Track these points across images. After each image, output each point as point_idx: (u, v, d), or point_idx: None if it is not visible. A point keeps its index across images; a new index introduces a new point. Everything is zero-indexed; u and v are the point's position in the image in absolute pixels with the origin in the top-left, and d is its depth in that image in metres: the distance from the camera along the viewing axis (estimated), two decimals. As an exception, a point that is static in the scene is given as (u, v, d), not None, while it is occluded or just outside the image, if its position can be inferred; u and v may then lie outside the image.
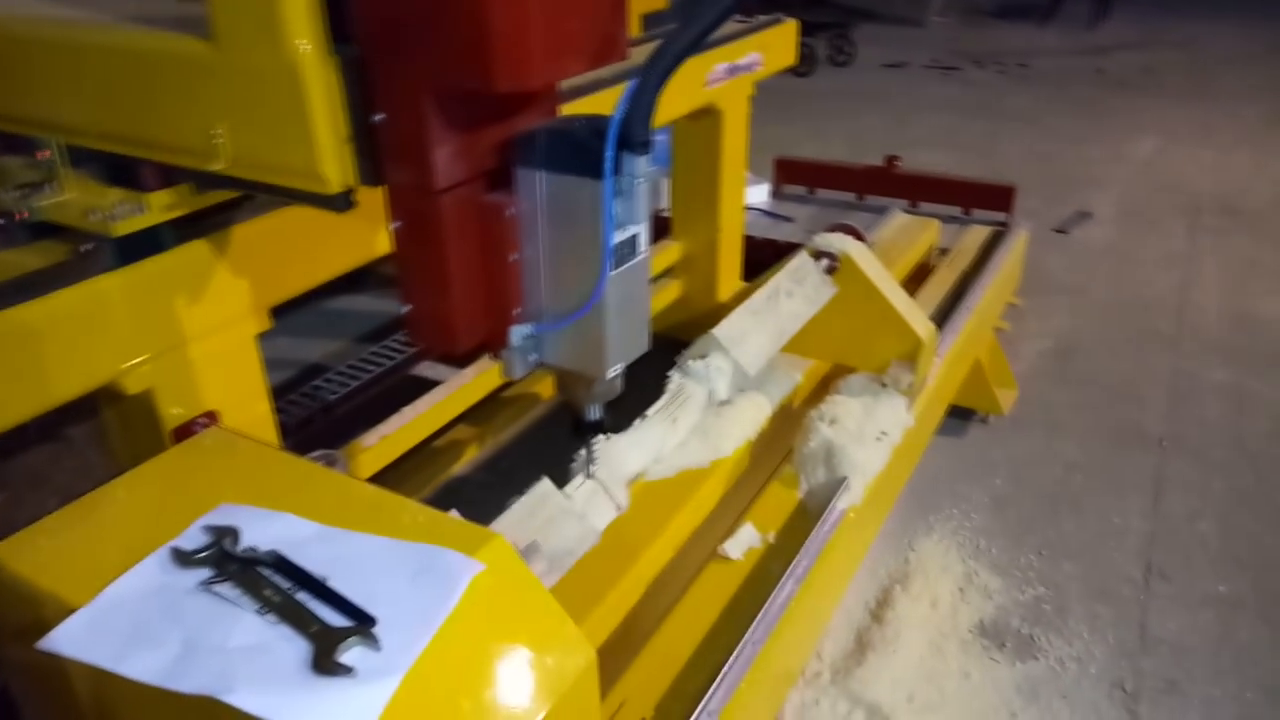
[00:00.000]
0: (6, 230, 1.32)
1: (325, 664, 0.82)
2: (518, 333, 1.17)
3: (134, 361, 1.39)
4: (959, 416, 2.92)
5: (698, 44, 1.01)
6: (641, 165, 1.04)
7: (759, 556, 1.75)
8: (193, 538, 0.98)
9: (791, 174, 4.43)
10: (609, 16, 1.08)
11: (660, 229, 3.08)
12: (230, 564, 0.94)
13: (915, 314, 2.11)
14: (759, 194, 4.10)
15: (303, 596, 0.91)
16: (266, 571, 0.93)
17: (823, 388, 2.20)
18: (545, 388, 2.68)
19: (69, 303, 1.28)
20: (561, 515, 1.49)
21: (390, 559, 0.96)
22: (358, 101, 1.05)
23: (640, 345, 1.23)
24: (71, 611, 0.90)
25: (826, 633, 2.12)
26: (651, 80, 1.00)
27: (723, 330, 1.90)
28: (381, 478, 2.06)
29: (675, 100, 2.54)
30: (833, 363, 2.26)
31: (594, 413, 1.32)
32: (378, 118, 1.05)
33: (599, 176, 1.03)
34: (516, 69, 0.98)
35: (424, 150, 1.03)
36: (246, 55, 1.03)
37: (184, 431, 1.50)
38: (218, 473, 1.12)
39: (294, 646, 0.84)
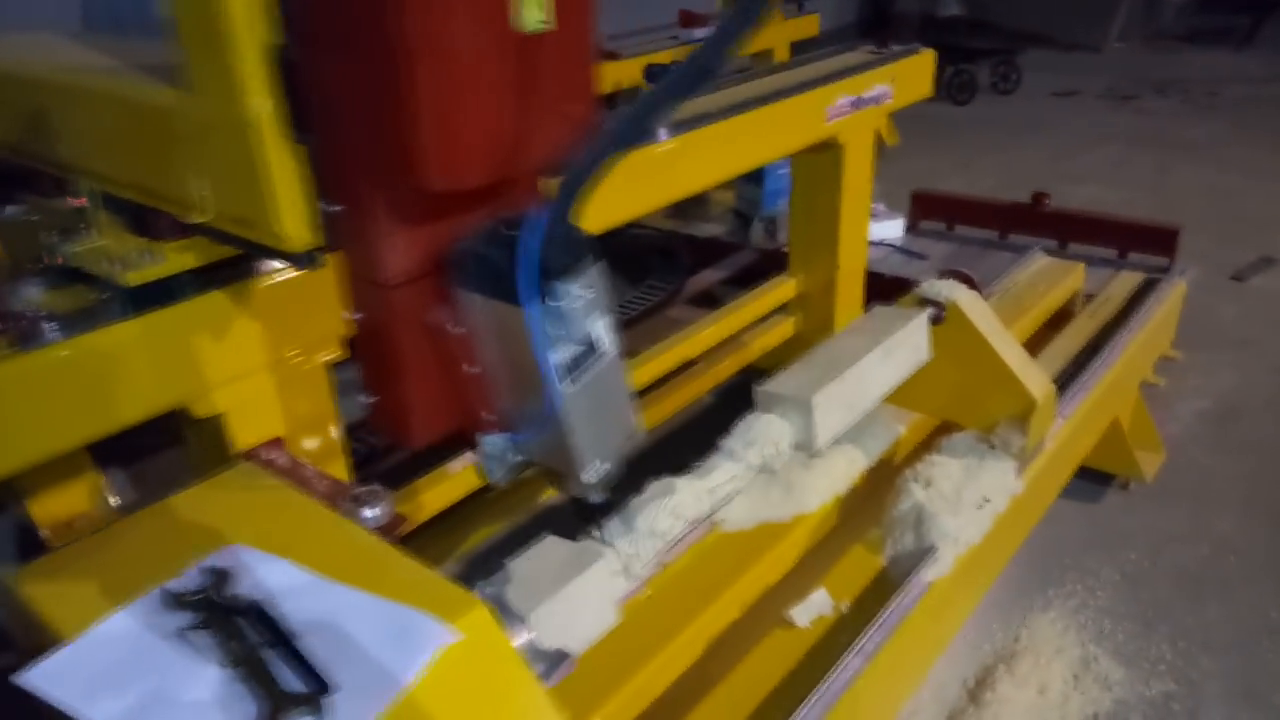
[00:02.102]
0: (42, 274, 1.36)
1: (264, 737, 0.79)
2: (489, 442, 1.13)
3: (198, 389, 1.43)
4: (1094, 480, 2.66)
5: (615, 149, 0.91)
6: (573, 288, 0.98)
7: (828, 626, 1.62)
8: (189, 579, 0.98)
9: (929, 209, 4.19)
10: (575, 96, 1.02)
11: (777, 263, 2.98)
12: (213, 611, 0.92)
13: (1032, 371, 1.92)
14: (893, 229, 3.91)
15: (273, 653, 0.88)
16: (244, 622, 0.91)
17: (928, 444, 2.04)
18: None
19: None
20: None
21: (373, 618, 0.92)
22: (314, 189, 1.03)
23: (627, 436, 1.16)
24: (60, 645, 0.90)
25: (912, 712, 1.95)
26: (562, 205, 0.94)
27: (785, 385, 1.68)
28: (463, 510, 2.05)
29: (791, 133, 2.45)
30: (940, 418, 2.09)
31: (596, 498, 1.26)
32: (334, 208, 1.03)
33: (520, 304, 0.97)
34: (450, 168, 0.94)
35: (372, 243, 1.01)
36: (213, 107, 1.01)
37: (252, 456, 1.53)
38: (236, 510, 1.11)
39: (243, 709, 0.81)
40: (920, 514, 1.77)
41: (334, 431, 1.67)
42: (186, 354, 1.39)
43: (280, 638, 0.89)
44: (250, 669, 0.85)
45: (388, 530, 1.43)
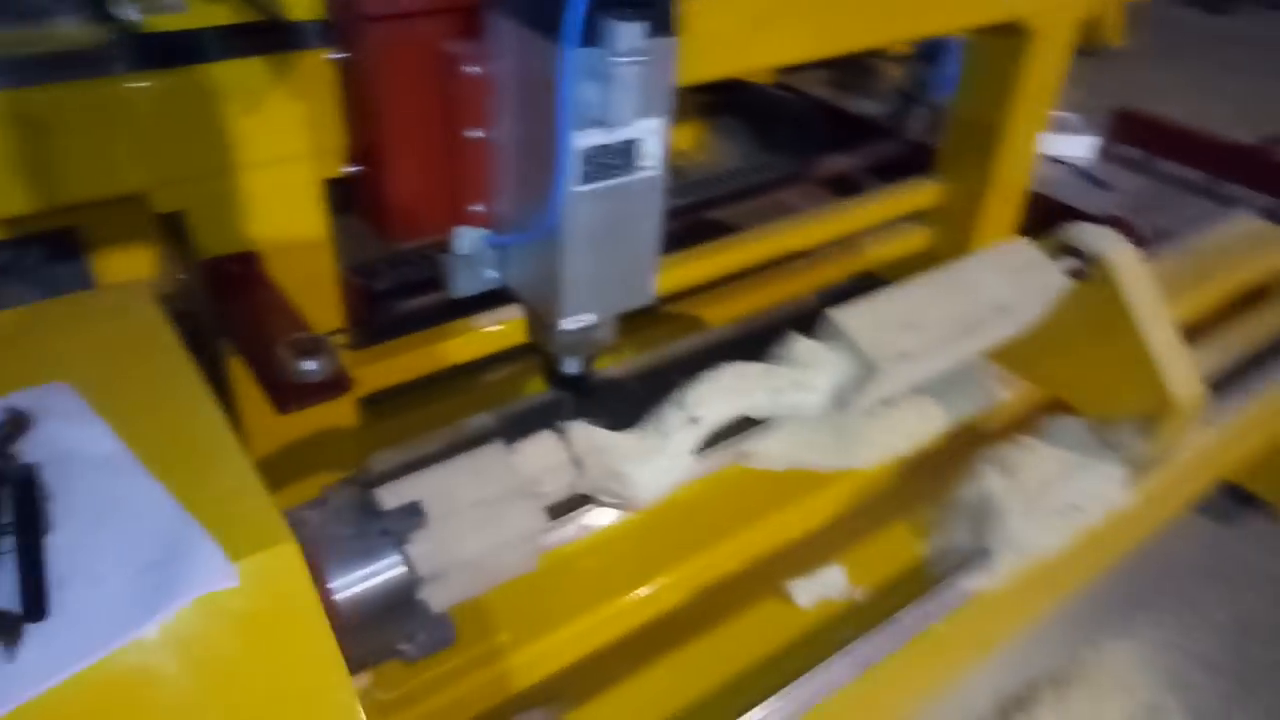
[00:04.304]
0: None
1: (-66, 657, 0.60)
2: (468, 236, 0.85)
3: (165, 176, 1.23)
4: (1234, 497, 2.22)
5: None
6: (630, 37, 0.66)
7: (832, 612, 1.35)
8: (-13, 416, 0.79)
9: (1131, 132, 3.52)
10: None
11: (923, 163, 2.54)
12: (-20, 467, 0.74)
13: (1179, 363, 1.51)
14: (1080, 147, 3.32)
15: (13, 541, 0.69)
16: (4, 492, 0.72)
17: (1027, 422, 1.68)
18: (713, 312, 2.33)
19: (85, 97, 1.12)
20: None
21: (151, 527, 0.71)
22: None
23: (635, 294, 0.87)
24: None
25: None
26: None
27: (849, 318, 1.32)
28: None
29: (969, 7, 1.98)
30: (1050, 393, 1.71)
31: (570, 365, 0.98)
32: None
33: (559, 40, 0.67)
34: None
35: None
36: None
37: (212, 267, 1.35)
38: (90, 340, 0.92)
39: (-79, 615, 0.63)
40: (986, 506, 1.45)
41: (325, 264, 1.46)
42: (155, 132, 1.19)
43: (32, 525, 0.70)
44: (-27, 560, 0.67)
45: (327, 388, 1.23)
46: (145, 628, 0.64)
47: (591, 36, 0.67)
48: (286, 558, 0.70)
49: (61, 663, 0.61)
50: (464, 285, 0.89)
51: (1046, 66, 2.24)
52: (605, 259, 0.82)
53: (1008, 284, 1.44)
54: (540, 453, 1.04)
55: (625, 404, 1.20)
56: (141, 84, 1.11)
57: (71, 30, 1.18)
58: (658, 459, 1.13)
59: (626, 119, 0.72)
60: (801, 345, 1.28)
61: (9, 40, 1.17)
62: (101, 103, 1.10)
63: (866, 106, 3.47)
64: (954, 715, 1.71)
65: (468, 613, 1.32)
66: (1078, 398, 1.62)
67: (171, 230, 1.43)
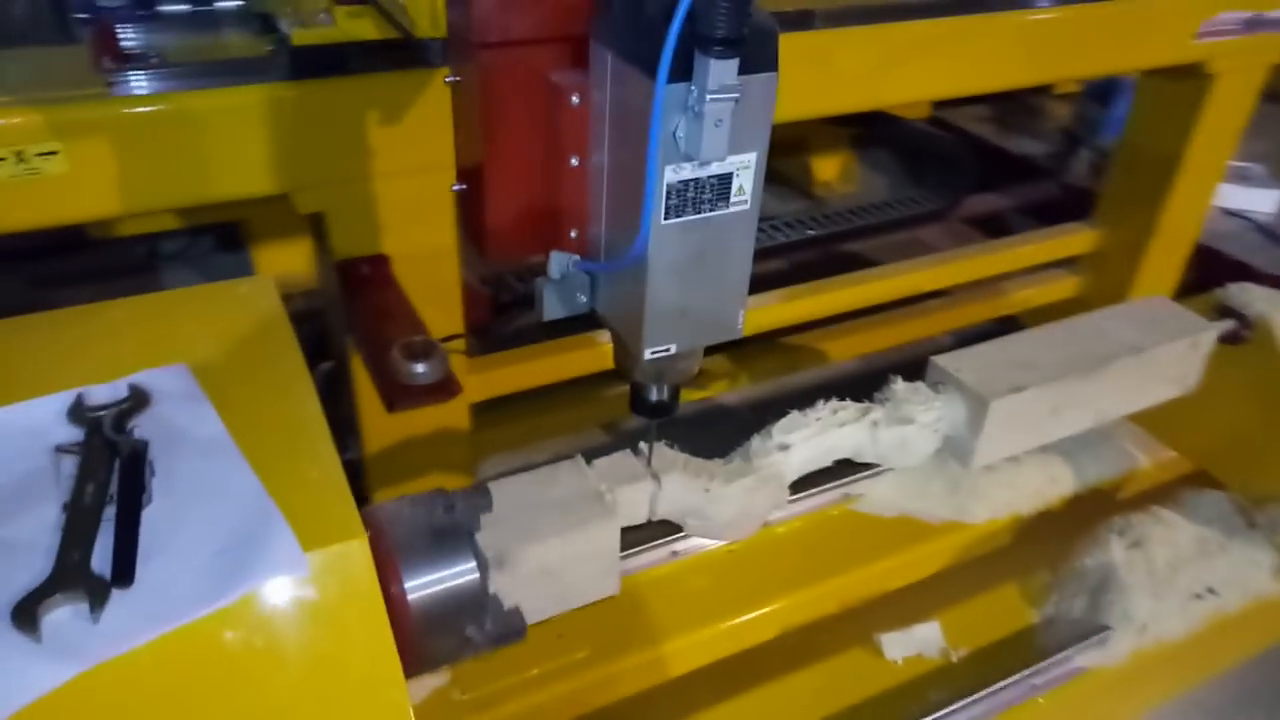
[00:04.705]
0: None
1: (22, 612, 0.65)
2: (559, 260, 0.86)
3: (306, 179, 1.31)
4: None
5: None
6: (721, 74, 0.66)
7: (923, 672, 1.29)
8: (112, 390, 0.86)
9: (1331, 186, 3.24)
10: None
11: (1082, 208, 2.41)
12: (94, 440, 0.80)
13: (1349, 444, 1.36)
14: (1265, 201, 3.05)
15: (115, 511, 0.74)
16: (117, 464, 0.78)
17: (1166, 493, 1.55)
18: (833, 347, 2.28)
19: (238, 100, 1.21)
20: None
21: (238, 511, 0.75)
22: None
23: (722, 328, 0.85)
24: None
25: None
26: None
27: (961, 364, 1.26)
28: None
29: (1143, 47, 1.87)
30: (1195, 464, 1.58)
31: (656, 393, 0.97)
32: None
33: (653, 75, 0.67)
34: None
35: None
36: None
37: (345, 267, 1.42)
38: (216, 327, 0.98)
39: (32, 570, 0.68)
40: (1108, 579, 1.35)
41: (450, 272, 1.52)
42: (298, 137, 1.27)
43: (134, 498, 0.75)
44: (75, 526, 0.72)
45: (435, 391, 1.27)
46: (218, 604, 0.68)
47: (684, 72, 0.67)
48: (356, 553, 0.73)
49: (139, 629, 0.66)
50: (553, 309, 0.90)
51: (1228, 112, 2.08)
52: (691, 292, 0.82)
53: (1140, 333, 1.33)
54: (618, 470, 1.04)
55: (739, 432, 1.19)
56: (287, 93, 1.19)
57: (237, 40, 1.28)
58: (739, 486, 1.11)
59: (718, 154, 0.71)
60: (901, 385, 1.24)
61: (183, 49, 1.27)
62: (252, 106, 1.18)
63: (1028, 146, 3.31)
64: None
65: (550, 627, 1.34)
66: (1225, 471, 1.49)
67: (316, 230, 1.53)
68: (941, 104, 3.16)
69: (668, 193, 0.73)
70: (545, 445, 1.85)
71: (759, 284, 1.93)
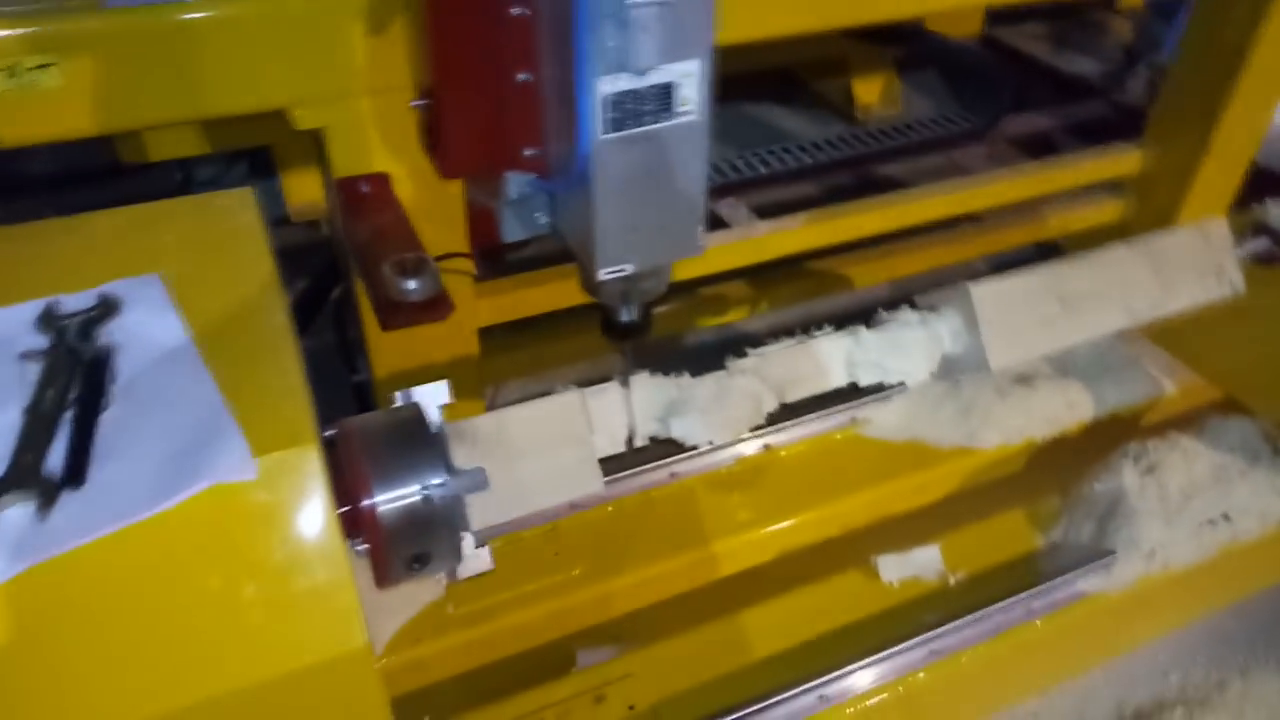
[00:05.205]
0: None
1: (-28, 509, 0.67)
2: (516, 181, 0.84)
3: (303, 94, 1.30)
4: None
5: None
6: None
7: (918, 594, 1.27)
8: (82, 299, 0.88)
9: None
10: None
11: (1134, 128, 2.28)
12: (59, 347, 0.81)
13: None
14: (1340, 119, 2.88)
15: (73, 415, 0.76)
16: (78, 371, 0.79)
17: (1190, 419, 1.49)
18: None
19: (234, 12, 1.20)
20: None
21: (192, 415, 0.76)
22: None
23: (681, 245, 0.83)
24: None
25: (1034, 714, 1.56)
26: None
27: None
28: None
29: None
30: (1223, 390, 1.51)
31: (627, 314, 0.95)
32: None
33: None
34: None
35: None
36: None
37: (345, 185, 1.42)
38: (191, 237, 0.99)
39: (-16, 470, 0.70)
40: (1117, 504, 1.31)
41: (452, 192, 1.50)
42: (292, 49, 1.26)
43: (93, 402, 0.76)
44: (33, 429, 0.74)
45: (426, 308, 1.27)
46: (164, 505, 0.69)
47: None
48: (307, 458, 0.73)
49: (85, 528, 0.67)
50: (512, 230, 0.89)
51: (1291, 19, 1.94)
52: (641, 208, 0.79)
53: (1170, 262, 1.27)
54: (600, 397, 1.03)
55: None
56: (284, 3, 1.17)
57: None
58: (712, 377, 1.09)
59: (653, 63, 0.68)
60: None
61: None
62: (248, 18, 1.17)
63: (1086, 65, 3.15)
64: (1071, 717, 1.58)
65: (546, 544, 1.35)
66: (1252, 396, 1.43)
67: (319, 149, 1.52)
68: (995, 20, 3.01)
69: (607, 105, 0.71)
70: (558, 373, 1.84)
71: (786, 209, 1.88)
